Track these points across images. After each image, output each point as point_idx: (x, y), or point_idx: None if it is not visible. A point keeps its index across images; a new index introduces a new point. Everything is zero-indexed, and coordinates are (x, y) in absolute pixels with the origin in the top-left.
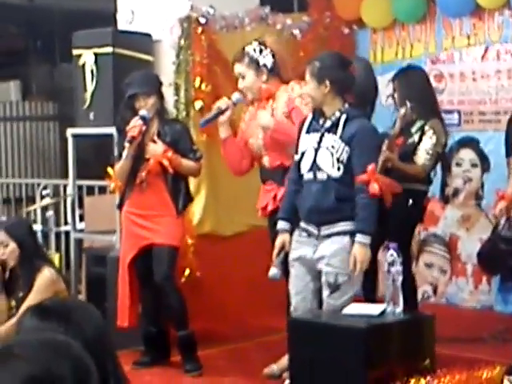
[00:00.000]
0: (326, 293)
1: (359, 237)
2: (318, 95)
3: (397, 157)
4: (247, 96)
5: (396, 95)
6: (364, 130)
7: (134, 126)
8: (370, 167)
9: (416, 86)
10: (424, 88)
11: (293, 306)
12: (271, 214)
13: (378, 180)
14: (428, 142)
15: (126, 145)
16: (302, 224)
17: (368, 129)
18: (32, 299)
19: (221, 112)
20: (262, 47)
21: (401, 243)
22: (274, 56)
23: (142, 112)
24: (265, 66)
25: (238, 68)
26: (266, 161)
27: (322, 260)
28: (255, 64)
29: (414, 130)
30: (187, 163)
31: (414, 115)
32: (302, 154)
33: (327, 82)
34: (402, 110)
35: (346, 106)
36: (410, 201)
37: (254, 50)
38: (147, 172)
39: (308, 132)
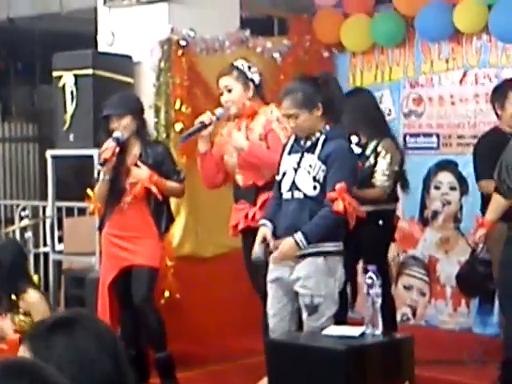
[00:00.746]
0: (304, 315)
1: (298, 234)
2: (310, 122)
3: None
4: (230, 110)
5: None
6: (340, 149)
7: (107, 148)
8: (339, 185)
9: (364, 108)
10: (373, 109)
11: (270, 327)
12: (242, 232)
13: (345, 199)
14: (383, 162)
15: (98, 167)
16: None
17: (344, 149)
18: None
19: (203, 126)
20: (250, 64)
21: (376, 264)
22: (260, 74)
23: (116, 134)
24: (252, 81)
25: (226, 81)
26: (239, 179)
27: (298, 282)
28: (244, 78)
29: (368, 152)
30: (171, 185)
31: (365, 137)
32: (284, 174)
33: (319, 105)
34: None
35: (327, 127)
36: (380, 221)
37: (243, 65)
38: (133, 197)
39: (290, 153)
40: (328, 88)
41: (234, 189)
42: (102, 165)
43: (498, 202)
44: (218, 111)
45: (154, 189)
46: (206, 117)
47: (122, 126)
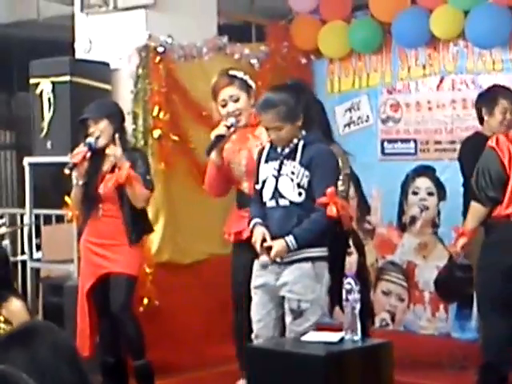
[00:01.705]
0: (288, 319)
1: (290, 237)
2: (292, 133)
3: None
4: (241, 121)
5: None
6: (321, 153)
7: (78, 152)
8: (329, 190)
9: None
10: (320, 115)
11: (254, 333)
12: (245, 240)
13: (337, 203)
14: None
15: (66, 171)
16: None
17: (325, 152)
18: None
19: (221, 139)
20: (242, 71)
21: (337, 270)
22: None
23: (89, 139)
24: (252, 88)
25: (231, 91)
26: (245, 187)
27: (285, 287)
28: (246, 86)
29: None
30: (140, 187)
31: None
32: (264, 182)
33: (301, 116)
34: None
35: (303, 132)
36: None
37: (239, 73)
38: (115, 182)
39: (267, 161)
40: (305, 96)
41: (238, 196)
42: (70, 169)
43: (476, 210)
44: (231, 121)
45: (133, 173)
46: (222, 129)
47: (99, 130)
